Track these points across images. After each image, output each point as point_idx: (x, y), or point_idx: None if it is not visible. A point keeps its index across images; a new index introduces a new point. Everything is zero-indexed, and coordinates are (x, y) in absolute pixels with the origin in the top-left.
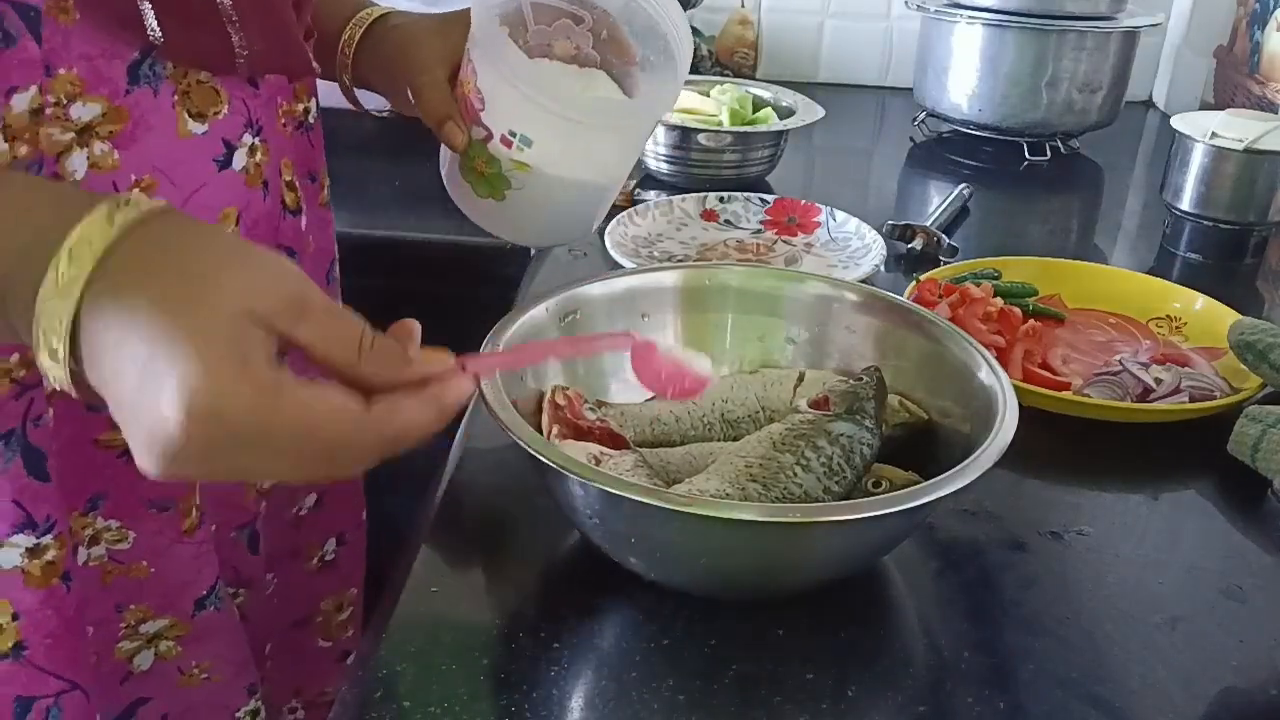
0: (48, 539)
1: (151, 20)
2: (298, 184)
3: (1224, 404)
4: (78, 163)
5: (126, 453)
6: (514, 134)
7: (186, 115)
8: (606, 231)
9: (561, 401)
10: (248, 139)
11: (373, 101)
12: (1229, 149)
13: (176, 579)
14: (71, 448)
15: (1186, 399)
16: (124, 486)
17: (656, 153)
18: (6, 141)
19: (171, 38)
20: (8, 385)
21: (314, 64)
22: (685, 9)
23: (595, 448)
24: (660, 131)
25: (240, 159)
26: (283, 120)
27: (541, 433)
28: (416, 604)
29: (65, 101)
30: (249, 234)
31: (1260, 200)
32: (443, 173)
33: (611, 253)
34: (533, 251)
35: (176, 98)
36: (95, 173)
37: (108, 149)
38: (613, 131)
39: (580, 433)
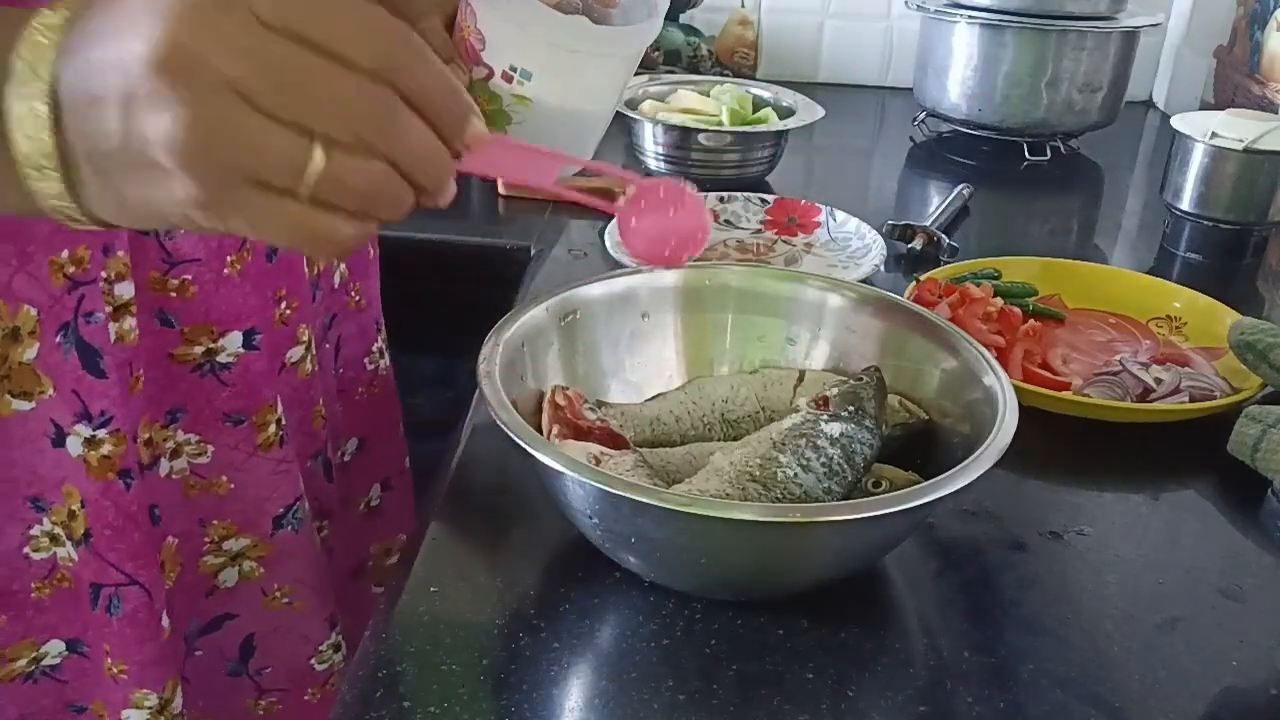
0: (102, 433)
1: None
2: None
3: (1224, 404)
4: None
5: (200, 367)
6: (514, 68)
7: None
8: (606, 232)
9: (561, 401)
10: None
11: None
12: (1229, 149)
13: (255, 495)
14: (151, 361)
15: (1186, 399)
16: (200, 400)
17: (656, 152)
18: None
19: None
20: (61, 279)
21: None
22: (685, 9)
23: (595, 448)
24: (660, 131)
25: (75, 445)
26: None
27: (541, 433)
28: (416, 604)
29: None
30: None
31: (1260, 200)
32: None
33: (612, 253)
34: (532, 251)
35: None
36: None
37: None
38: (605, 59)
39: (580, 433)
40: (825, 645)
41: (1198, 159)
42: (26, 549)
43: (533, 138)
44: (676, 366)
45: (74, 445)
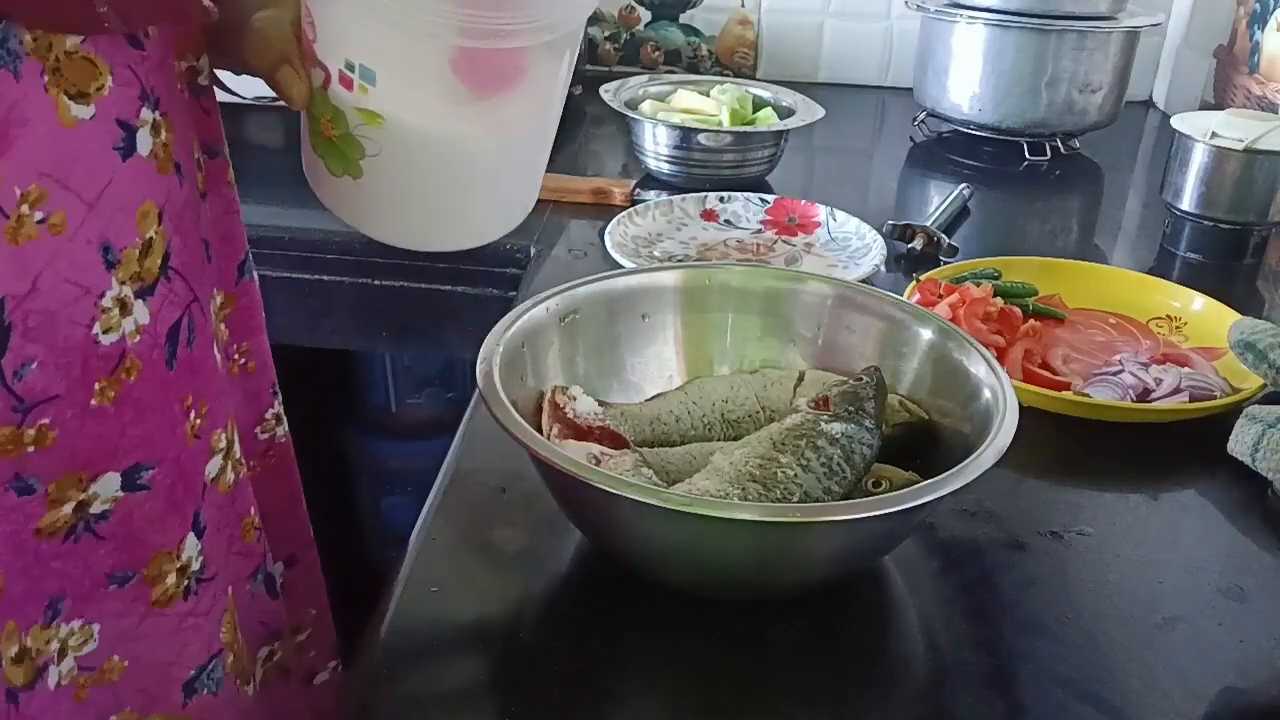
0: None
1: None
2: (202, 159)
3: (1224, 404)
4: None
5: (71, 531)
6: (351, 66)
7: (65, 98)
8: (606, 232)
9: (561, 401)
10: (146, 114)
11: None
12: (1229, 149)
13: (156, 661)
14: (12, 551)
15: (1186, 399)
16: (77, 573)
17: (656, 153)
18: None
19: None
20: None
21: (205, 2)
22: (685, 9)
23: (595, 448)
24: (660, 131)
25: (144, 142)
26: (180, 85)
27: (541, 433)
28: (416, 604)
29: None
30: (174, 232)
31: (1260, 200)
32: (303, 158)
33: (611, 253)
34: (532, 251)
35: (48, 78)
36: None
37: None
38: (490, 41)
39: (580, 433)
40: (825, 645)
41: (1198, 159)
42: None
43: (396, 181)
44: (676, 366)
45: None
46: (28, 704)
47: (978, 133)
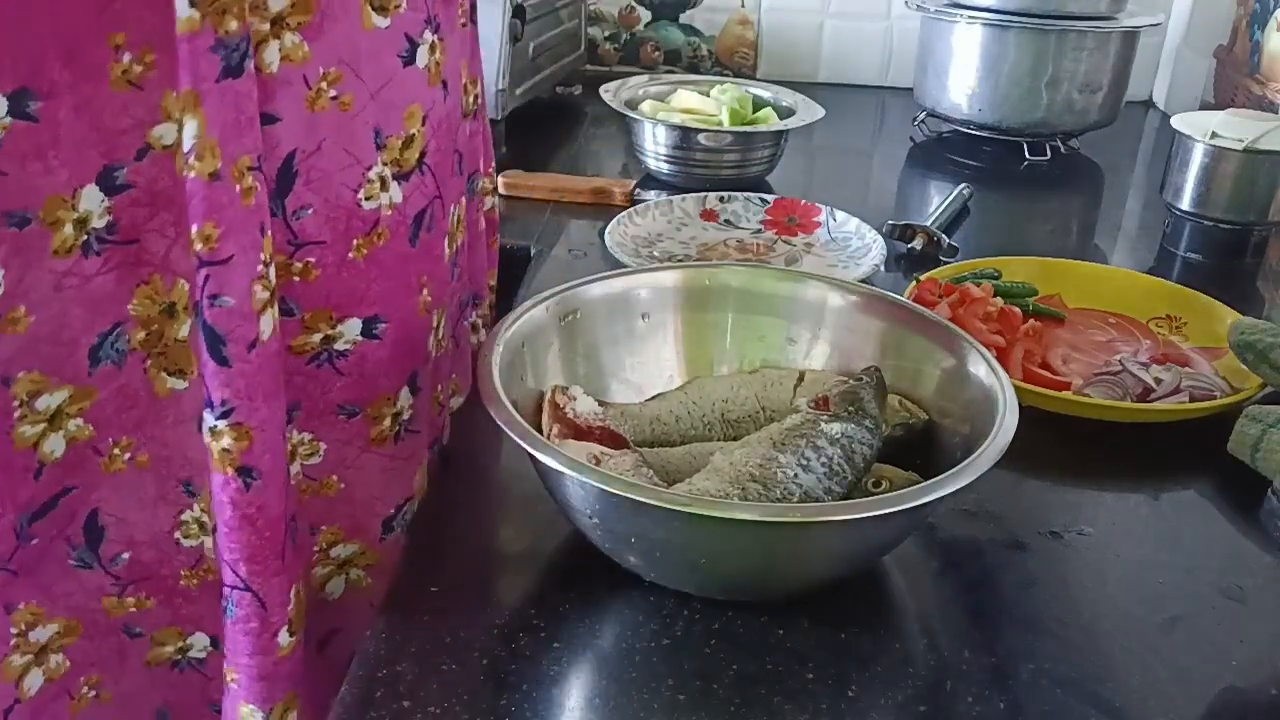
0: (222, 424)
1: None
2: (472, 85)
3: (1224, 404)
4: (272, 55)
5: (316, 357)
6: None
7: (370, 8)
8: (606, 232)
9: (561, 401)
10: (428, 35)
11: None
12: (1229, 149)
13: (365, 495)
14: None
15: (1186, 399)
16: (315, 393)
17: (656, 153)
18: (218, 14)
19: None
20: (194, 254)
21: None
22: (685, 9)
23: (595, 448)
24: (660, 131)
25: (422, 56)
26: (461, 19)
27: (541, 433)
28: (416, 603)
29: None
30: (433, 135)
31: (1260, 200)
32: None
33: (612, 252)
34: (532, 251)
35: None
36: (288, 65)
37: (298, 40)
38: None
39: (580, 433)
40: (825, 645)
41: (1198, 159)
42: (177, 534)
43: None
44: (676, 366)
45: (205, 433)
46: (249, 467)
47: (978, 133)
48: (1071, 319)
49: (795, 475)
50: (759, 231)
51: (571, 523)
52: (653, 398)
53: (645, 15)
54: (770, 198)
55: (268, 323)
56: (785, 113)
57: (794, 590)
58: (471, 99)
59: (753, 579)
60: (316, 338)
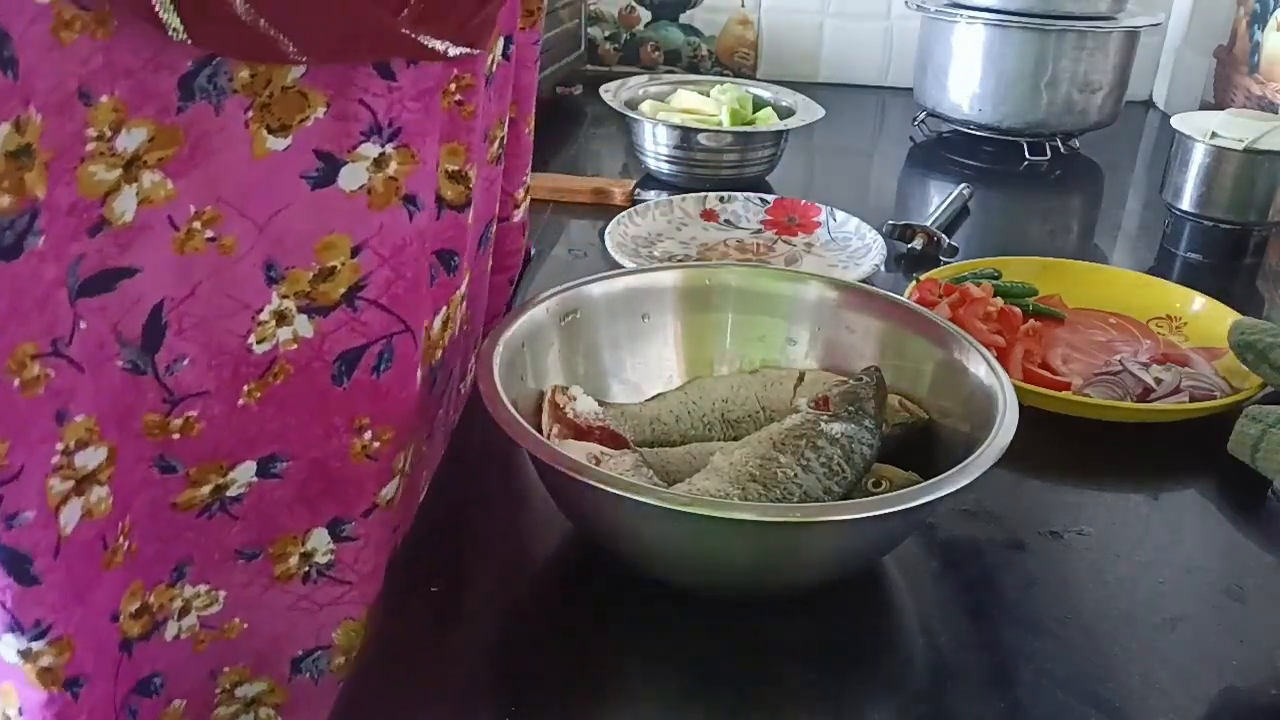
0: (40, 645)
1: (168, 14)
2: (470, 170)
3: (1224, 404)
4: (124, 204)
5: (206, 509)
6: None
7: (265, 132)
8: (606, 232)
9: (561, 401)
10: (368, 150)
11: None
12: (1229, 149)
13: (271, 632)
14: (149, 517)
15: (1186, 399)
16: (208, 545)
17: (656, 153)
18: None
19: (199, 30)
20: None
21: (419, 38)
22: (685, 9)
23: (595, 448)
24: (660, 131)
25: (354, 176)
26: (455, 96)
27: (541, 433)
28: (416, 604)
29: (109, 133)
30: (382, 266)
31: (1260, 200)
32: None
33: (611, 253)
34: (532, 251)
35: (251, 114)
36: (148, 208)
37: (159, 178)
38: None
39: (580, 433)
40: (825, 645)
41: (1198, 159)
42: None
43: None
44: (676, 366)
45: (6, 651)
46: (141, 652)
47: (978, 133)
48: (1071, 319)
49: (795, 475)
50: (759, 231)
51: (571, 522)
52: (653, 398)
53: (645, 15)
54: (770, 198)
55: (71, 514)
56: (785, 113)
57: (794, 590)
58: (496, 145)
59: (753, 579)
60: (205, 490)
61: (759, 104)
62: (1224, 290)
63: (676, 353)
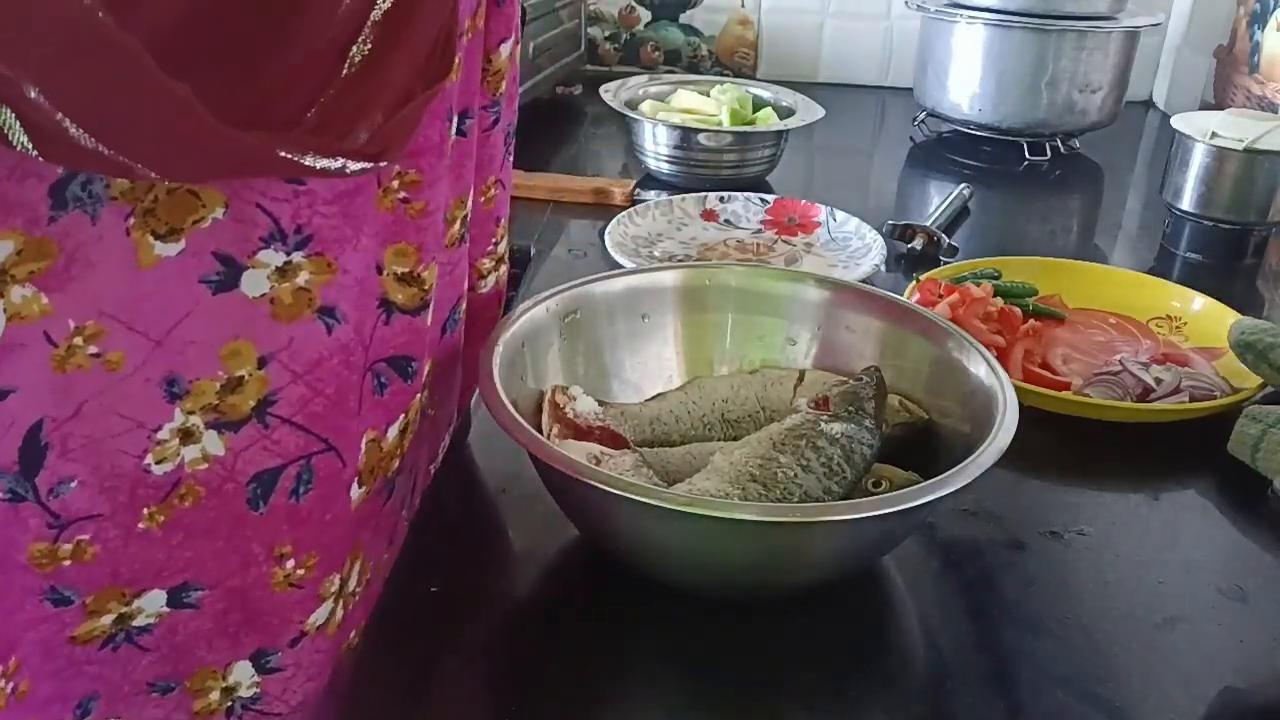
0: None
1: (15, 134)
2: (425, 272)
3: (1224, 404)
4: None
5: (109, 640)
6: None
7: (150, 238)
8: (606, 232)
9: (561, 401)
10: (272, 256)
11: None
12: (1229, 149)
13: None
14: (41, 656)
15: (1186, 399)
16: (115, 677)
17: (656, 153)
18: None
19: (49, 150)
20: None
21: (307, 158)
22: (685, 9)
23: (595, 448)
24: (660, 131)
25: (255, 283)
26: (399, 193)
27: (541, 433)
28: (416, 604)
29: None
30: (300, 380)
31: (1260, 200)
32: None
33: (611, 253)
34: (532, 251)
35: (133, 220)
36: (18, 324)
37: (31, 293)
38: None
39: (580, 433)
40: (825, 645)
41: (1198, 159)
42: None
43: None
44: (676, 366)
45: None
46: None
47: (978, 133)
48: (1071, 319)
49: (795, 475)
50: (759, 231)
51: (571, 523)
52: (653, 398)
53: (645, 15)
54: (770, 198)
55: None
56: (785, 113)
57: (794, 590)
58: (458, 226)
59: (753, 579)
60: (107, 620)
61: (759, 104)
62: (1224, 290)
63: (676, 353)
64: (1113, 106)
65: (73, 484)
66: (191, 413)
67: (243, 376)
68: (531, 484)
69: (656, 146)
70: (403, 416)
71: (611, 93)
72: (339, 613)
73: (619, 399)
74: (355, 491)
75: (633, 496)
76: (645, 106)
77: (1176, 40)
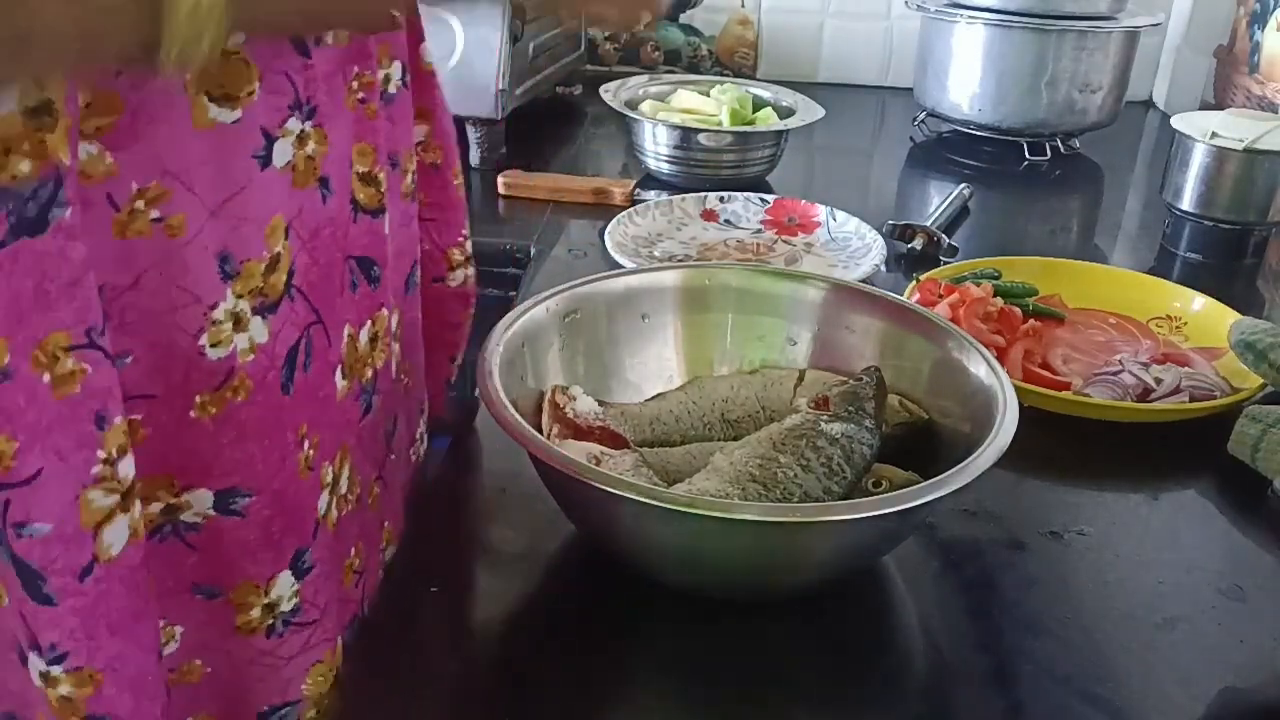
0: (57, 670)
1: None
2: (380, 174)
3: (1224, 404)
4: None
5: (159, 529)
6: None
7: (205, 99)
8: (606, 232)
9: (561, 401)
10: (294, 124)
11: None
12: (1229, 149)
13: (236, 683)
14: None
15: (1186, 399)
16: (161, 570)
17: (656, 153)
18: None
19: None
20: None
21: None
22: (685, 9)
23: (595, 448)
24: (660, 131)
25: (282, 152)
26: (358, 94)
27: (541, 433)
28: (416, 604)
29: None
30: (302, 250)
31: (1260, 200)
32: None
33: (611, 253)
34: (532, 251)
35: (189, 76)
36: (83, 183)
37: (96, 151)
38: None
39: (580, 433)
40: (825, 645)
41: (1198, 159)
42: None
43: None
44: (676, 366)
45: (34, 675)
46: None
47: (978, 133)
48: (1071, 319)
49: (795, 475)
50: (759, 231)
51: (572, 522)
52: (653, 398)
53: None
54: (770, 198)
55: (118, 534)
56: (785, 113)
57: (794, 590)
58: (409, 179)
59: (753, 579)
60: (155, 508)
61: (759, 104)
62: (1224, 290)
63: (676, 353)
64: (1113, 106)
65: (128, 359)
66: (241, 296)
67: (279, 253)
68: (531, 483)
69: (656, 146)
70: (370, 324)
71: (611, 93)
72: (333, 512)
73: (619, 399)
74: (339, 381)
75: (633, 496)
76: (645, 106)
77: (1176, 40)
